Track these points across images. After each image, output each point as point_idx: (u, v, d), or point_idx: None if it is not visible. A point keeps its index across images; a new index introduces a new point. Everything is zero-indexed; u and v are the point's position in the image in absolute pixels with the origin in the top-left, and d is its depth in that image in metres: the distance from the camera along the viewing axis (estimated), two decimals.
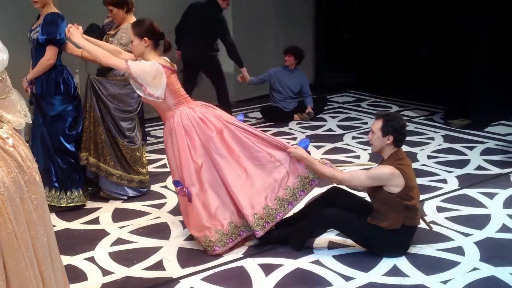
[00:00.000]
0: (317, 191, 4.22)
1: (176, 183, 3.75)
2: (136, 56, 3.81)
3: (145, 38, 3.69)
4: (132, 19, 4.63)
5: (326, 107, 7.53)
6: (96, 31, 4.91)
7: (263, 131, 6.40)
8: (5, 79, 2.27)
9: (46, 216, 2.39)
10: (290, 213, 4.09)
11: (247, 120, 7.19)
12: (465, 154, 5.57)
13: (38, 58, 4.22)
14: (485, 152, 5.61)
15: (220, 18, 6.50)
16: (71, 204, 4.41)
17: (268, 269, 3.49)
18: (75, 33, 3.81)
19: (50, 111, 4.27)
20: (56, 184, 4.34)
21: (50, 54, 4.20)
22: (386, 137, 3.51)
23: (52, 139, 4.32)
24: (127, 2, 4.59)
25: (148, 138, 6.09)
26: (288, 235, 3.74)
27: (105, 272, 3.51)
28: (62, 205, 4.38)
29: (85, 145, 4.51)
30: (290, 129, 6.75)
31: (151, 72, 3.62)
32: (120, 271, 3.51)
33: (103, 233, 4.06)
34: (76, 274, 3.46)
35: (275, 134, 6.47)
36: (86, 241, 3.94)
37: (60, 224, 4.20)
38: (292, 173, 3.79)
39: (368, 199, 3.76)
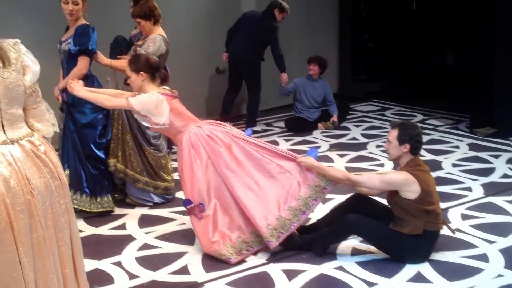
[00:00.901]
0: (340, 198, 4.25)
1: (186, 202, 3.81)
2: (135, 90, 3.97)
3: (141, 73, 3.87)
4: (160, 30, 4.76)
5: (349, 116, 7.54)
6: (122, 43, 5.04)
7: (287, 140, 6.57)
8: (37, 90, 2.39)
9: (72, 221, 2.47)
10: (313, 220, 4.15)
11: (270, 129, 7.25)
12: (490, 163, 5.53)
13: (70, 68, 4.35)
14: (511, 160, 5.56)
15: (275, 27, 6.78)
16: (100, 210, 4.51)
17: (291, 274, 3.52)
18: (76, 87, 3.91)
19: (81, 119, 4.39)
20: (86, 189, 4.45)
21: (82, 64, 4.34)
22: (403, 146, 3.53)
23: (83, 146, 4.44)
24: (154, 14, 4.71)
25: (173, 146, 6.17)
26: (310, 242, 3.77)
27: (132, 276, 3.58)
28: (93, 210, 4.48)
29: (113, 152, 4.62)
30: (314, 137, 6.78)
31: (151, 102, 3.75)
32: (146, 275, 3.58)
33: (129, 239, 4.14)
34: (103, 278, 3.54)
35: (299, 143, 6.52)
36: (113, 246, 4.02)
37: (88, 229, 4.30)
38: (303, 182, 3.84)
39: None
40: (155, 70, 3.96)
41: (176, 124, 3.84)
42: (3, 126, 2.24)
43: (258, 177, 3.80)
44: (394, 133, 3.57)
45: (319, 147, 6.23)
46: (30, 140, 2.31)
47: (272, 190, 3.80)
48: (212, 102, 7.71)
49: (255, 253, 3.80)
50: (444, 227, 3.66)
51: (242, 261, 3.72)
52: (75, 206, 4.35)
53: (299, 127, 7.06)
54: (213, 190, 3.79)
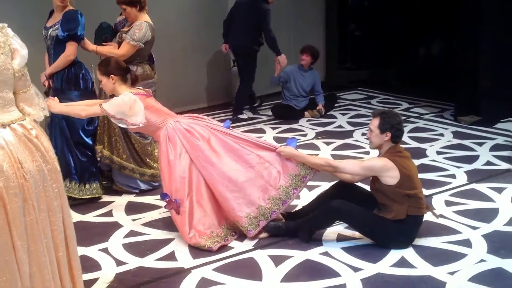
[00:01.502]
0: (326, 185, 4.28)
1: (163, 196, 3.84)
2: (108, 93, 4.03)
3: (112, 76, 3.91)
4: (146, 17, 4.73)
5: (336, 104, 7.57)
6: (107, 29, 5.01)
7: (273, 128, 6.59)
8: (26, 74, 2.39)
9: (65, 205, 2.49)
10: (300, 207, 4.18)
11: (257, 117, 7.26)
12: (474, 150, 5.60)
13: (57, 55, 4.33)
14: (494, 148, 5.64)
15: (265, 9, 6.81)
16: (89, 196, 4.52)
17: (278, 260, 3.56)
18: (53, 104, 3.88)
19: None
20: (75, 176, 4.46)
21: (70, 50, 4.32)
22: (384, 134, 3.58)
23: (71, 133, 4.43)
24: (140, 1, 4.68)
25: None
26: (296, 228, 3.81)
27: (119, 263, 3.59)
28: (82, 197, 4.48)
29: (100, 138, 4.62)
30: (301, 125, 6.81)
31: (125, 104, 3.76)
32: (133, 262, 3.60)
33: (116, 226, 4.15)
34: (90, 264, 3.55)
35: (285, 131, 6.55)
36: (100, 233, 4.03)
37: (75, 216, 4.28)
38: (283, 172, 3.87)
39: None
40: (125, 71, 3.99)
41: (153, 121, 3.85)
42: None
43: (237, 168, 3.82)
44: (375, 122, 3.61)
45: (298, 139, 6.24)
46: (21, 124, 2.31)
47: (252, 181, 3.83)
48: (198, 91, 7.72)
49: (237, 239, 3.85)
50: (429, 212, 3.71)
51: (229, 248, 3.75)
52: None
53: (285, 114, 7.09)
54: (190, 184, 3.79)
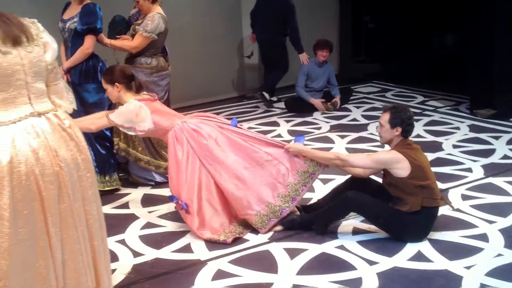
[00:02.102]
0: (341, 179, 4.28)
1: (171, 198, 3.86)
2: (114, 101, 4.06)
3: (116, 84, 3.91)
4: (158, 9, 4.74)
5: (350, 98, 7.54)
6: (121, 22, 5.03)
7: (287, 121, 6.58)
8: (56, 67, 2.45)
9: (97, 194, 2.51)
10: (314, 200, 4.18)
11: (271, 110, 7.25)
12: (490, 144, 5.56)
13: (75, 47, 4.36)
14: (511, 141, 5.59)
15: (291, 5, 6.96)
16: (110, 188, 4.57)
17: (293, 253, 3.56)
18: None
19: (89, 98, 4.41)
20: (96, 169, 4.49)
21: (89, 43, 4.36)
22: (395, 129, 3.58)
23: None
24: None
25: None
26: (311, 221, 3.81)
27: (136, 254, 3.62)
28: (105, 189, 4.53)
29: (116, 131, 4.63)
30: (315, 119, 6.79)
31: (131, 112, 3.78)
32: (150, 253, 3.63)
33: (133, 217, 4.18)
34: None
35: (299, 124, 6.54)
36: (117, 224, 4.06)
37: None
38: (291, 169, 3.88)
39: None
40: (129, 79, 3.99)
41: (161, 124, 3.86)
42: (30, 99, 2.27)
43: (246, 166, 3.83)
44: (385, 117, 3.61)
45: (306, 135, 6.23)
46: (55, 114, 2.36)
47: (261, 178, 3.84)
48: (211, 83, 7.72)
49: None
50: (445, 206, 3.69)
51: (244, 240, 3.76)
52: None
53: (299, 107, 7.06)
54: (199, 183, 3.80)
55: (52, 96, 2.43)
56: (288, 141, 4.06)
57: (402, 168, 3.52)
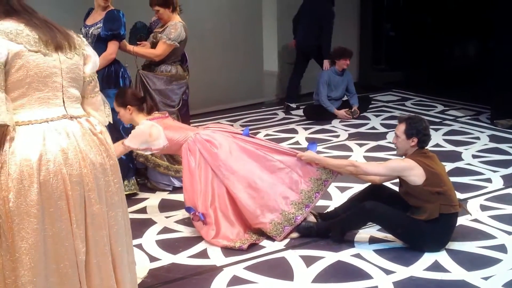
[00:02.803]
0: (359, 187, 4.27)
1: (188, 209, 3.88)
2: (126, 123, 4.14)
3: (129, 106, 3.97)
4: (177, 17, 4.79)
5: (370, 106, 7.52)
6: (142, 29, 5.09)
7: (305, 129, 6.59)
8: (95, 80, 2.51)
9: (124, 201, 2.54)
10: (331, 208, 4.18)
11: (289, 117, 7.27)
12: (511, 154, 5.50)
13: (98, 53, 4.38)
14: None
15: (330, 11, 7.22)
16: (128, 192, 4.61)
17: (309, 260, 3.56)
18: None
19: (110, 103, 4.45)
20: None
21: (112, 49, 4.43)
22: (410, 139, 3.58)
23: (112, 131, 4.50)
24: (172, 2, 4.75)
25: None
26: (328, 228, 3.81)
27: (152, 259, 3.65)
28: (125, 193, 4.56)
29: None
30: (333, 126, 6.78)
31: (144, 133, 3.84)
32: (166, 258, 3.65)
33: (150, 222, 4.22)
34: None
35: (318, 132, 6.53)
36: (134, 229, 4.01)
37: None
38: (304, 177, 3.89)
39: None
40: (141, 101, 4.05)
41: (175, 139, 3.89)
42: (64, 102, 2.33)
43: (259, 174, 3.85)
44: (401, 128, 3.61)
45: (316, 142, 6.21)
46: (88, 119, 2.41)
47: (274, 187, 3.85)
48: (231, 90, 7.76)
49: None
50: (463, 216, 3.66)
51: (260, 247, 3.77)
52: None
53: (317, 115, 7.06)
54: (212, 194, 3.82)
55: (88, 107, 2.49)
56: (305, 149, 4.05)
57: (416, 175, 3.50)
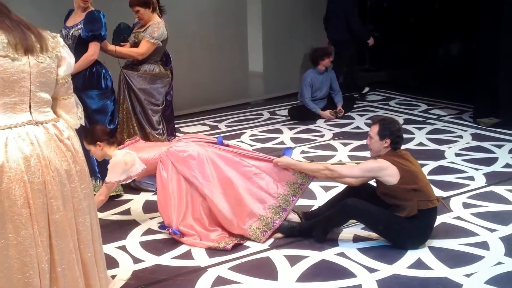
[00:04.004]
0: (343, 186, 4.28)
1: (162, 227, 3.88)
2: (99, 159, 4.11)
3: (98, 143, 3.96)
4: (157, 18, 4.79)
5: (354, 106, 7.56)
6: (125, 30, 5.06)
7: (290, 129, 6.60)
8: (69, 82, 2.47)
9: (92, 206, 2.52)
10: (315, 207, 4.19)
11: (274, 117, 7.28)
12: (493, 152, 5.55)
13: (79, 54, 4.39)
14: None
15: (352, 4, 7.63)
16: (113, 194, 4.56)
17: (293, 260, 3.57)
18: None
19: (92, 105, 4.45)
20: (99, 175, 4.52)
21: (93, 50, 4.40)
22: (384, 141, 3.61)
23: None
24: (152, 2, 4.74)
25: (177, 134, 6.23)
26: (310, 228, 3.82)
27: (136, 260, 3.63)
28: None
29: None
30: (318, 126, 6.80)
31: (119, 164, 3.81)
32: (150, 259, 3.64)
33: (134, 223, 4.19)
34: (108, 262, 3.54)
35: (302, 132, 6.55)
36: (118, 230, 4.07)
37: None
38: (280, 181, 3.91)
39: None
40: (110, 135, 4.04)
41: (150, 159, 3.87)
42: (30, 107, 2.29)
43: (236, 181, 3.85)
44: (375, 129, 3.65)
45: (293, 147, 6.24)
46: (55, 124, 2.36)
47: (251, 192, 3.86)
48: (216, 91, 7.75)
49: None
50: (444, 215, 3.69)
51: (244, 247, 3.77)
52: None
53: (302, 116, 7.08)
54: (187, 206, 3.81)
55: (60, 110, 2.46)
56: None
57: (390, 175, 3.54)
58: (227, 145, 4.06)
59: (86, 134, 4.04)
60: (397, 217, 3.57)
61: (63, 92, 2.44)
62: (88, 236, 2.44)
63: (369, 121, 6.89)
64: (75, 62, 4.34)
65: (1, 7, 2.26)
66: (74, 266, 2.35)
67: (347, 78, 8.27)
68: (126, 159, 3.83)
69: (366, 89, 8.11)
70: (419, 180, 3.58)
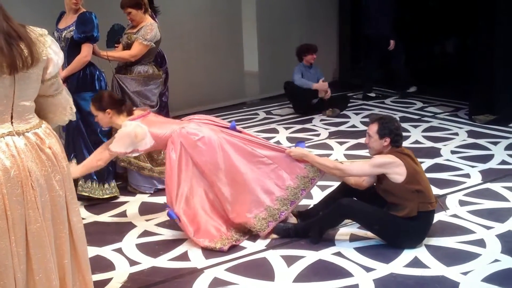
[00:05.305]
0: (335, 184, 4.28)
1: (165, 206, 3.88)
2: (105, 126, 4.03)
3: (108, 110, 3.88)
4: (149, 19, 4.77)
5: (349, 104, 7.56)
6: (120, 31, 5.05)
7: (286, 128, 6.59)
8: (55, 81, 2.39)
9: (75, 212, 2.49)
10: (311, 206, 4.18)
11: (270, 117, 7.27)
12: (489, 149, 5.55)
13: (71, 56, 4.39)
14: (509, 147, 5.58)
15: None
16: (109, 195, 4.58)
17: (290, 260, 3.56)
18: (74, 169, 3.74)
19: (86, 106, 4.43)
20: (94, 176, 4.51)
21: (86, 51, 4.39)
22: (383, 139, 3.59)
23: (89, 133, 4.49)
24: (144, 3, 4.73)
25: None
26: (306, 229, 3.81)
27: (132, 263, 3.62)
28: (104, 197, 4.53)
29: None
30: (314, 125, 6.80)
31: (129, 135, 3.75)
32: (146, 262, 3.63)
33: (130, 226, 4.18)
34: (104, 264, 3.59)
35: (298, 131, 6.54)
36: (114, 233, 4.06)
37: (89, 217, 4.34)
38: (291, 174, 3.88)
39: None
40: (120, 104, 3.97)
41: (161, 135, 3.83)
42: (12, 118, 2.25)
43: (245, 170, 3.83)
44: (374, 128, 3.62)
45: (306, 141, 6.23)
46: (35, 132, 2.32)
47: (259, 182, 3.84)
48: (211, 91, 7.74)
49: (260, 237, 3.85)
50: (441, 212, 3.69)
51: (241, 248, 3.76)
52: (86, 194, 4.46)
53: (295, 93, 7.21)
54: (190, 189, 3.79)
55: (47, 107, 2.42)
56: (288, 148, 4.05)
57: (399, 173, 3.51)
58: (240, 131, 4.01)
59: (95, 99, 3.97)
60: (394, 216, 3.56)
61: (51, 90, 2.39)
62: (66, 243, 2.42)
63: (365, 120, 6.90)
64: (68, 64, 4.38)
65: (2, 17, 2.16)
66: (51, 275, 2.34)
67: (394, 74, 8.16)
68: (137, 131, 3.76)
69: (413, 89, 8.02)
70: (422, 181, 3.56)
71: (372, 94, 7.99)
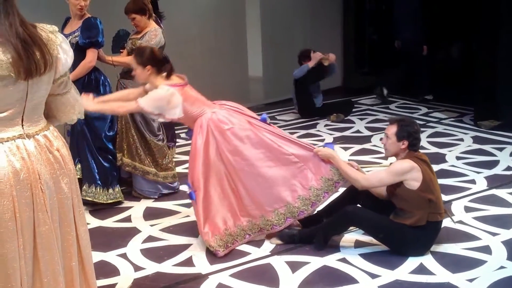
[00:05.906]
0: (340, 190, 4.27)
1: (186, 183, 3.87)
2: (141, 81, 3.90)
3: (148, 66, 3.80)
4: (153, 24, 4.78)
5: (354, 109, 7.55)
6: (125, 37, 5.06)
7: (291, 134, 6.57)
8: (65, 81, 2.38)
9: (80, 215, 2.50)
10: (315, 212, 4.17)
11: (275, 122, 7.26)
12: (494, 155, 5.54)
13: (77, 62, 4.39)
14: None
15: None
16: (113, 200, 4.56)
17: (295, 266, 3.55)
18: (87, 103, 3.61)
19: (91, 112, 4.43)
20: (99, 182, 4.50)
21: (91, 56, 4.39)
22: (401, 142, 3.54)
23: (93, 138, 4.49)
24: (148, 8, 4.74)
25: (177, 140, 6.22)
26: (310, 235, 3.79)
27: (137, 268, 3.62)
28: (108, 202, 4.53)
29: (119, 146, 4.66)
30: (318, 130, 6.80)
31: (163, 98, 3.68)
32: (151, 267, 3.62)
33: (135, 231, 4.18)
34: (109, 270, 3.59)
35: (303, 136, 6.53)
36: (119, 238, 4.06)
37: (93, 222, 4.34)
38: (316, 174, 3.83)
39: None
40: (161, 63, 3.87)
41: (191, 113, 3.78)
42: (22, 120, 2.27)
43: (270, 165, 3.79)
44: (392, 129, 3.57)
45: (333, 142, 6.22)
46: (45, 134, 2.33)
47: (284, 179, 3.80)
48: (217, 95, 7.69)
49: (264, 243, 3.85)
50: (446, 219, 3.67)
51: (245, 253, 3.75)
52: (90, 199, 4.44)
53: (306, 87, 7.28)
54: (213, 176, 3.76)
55: (55, 106, 2.42)
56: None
57: (416, 179, 3.46)
58: (270, 125, 3.96)
59: (138, 52, 3.89)
60: (401, 225, 3.53)
61: (61, 89, 2.39)
62: (74, 245, 2.43)
63: (369, 125, 6.90)
64: (73, 69, 4.38)
65: (10, 14, 2.16)
66: (58, 277, 2.35)
67: (416, 79, 8.19)
68: (171, 99, 3.69)
69: (429, 97, 8.02)
70: (436, 191, 3.53)
71: (429, 97, 8.04)
